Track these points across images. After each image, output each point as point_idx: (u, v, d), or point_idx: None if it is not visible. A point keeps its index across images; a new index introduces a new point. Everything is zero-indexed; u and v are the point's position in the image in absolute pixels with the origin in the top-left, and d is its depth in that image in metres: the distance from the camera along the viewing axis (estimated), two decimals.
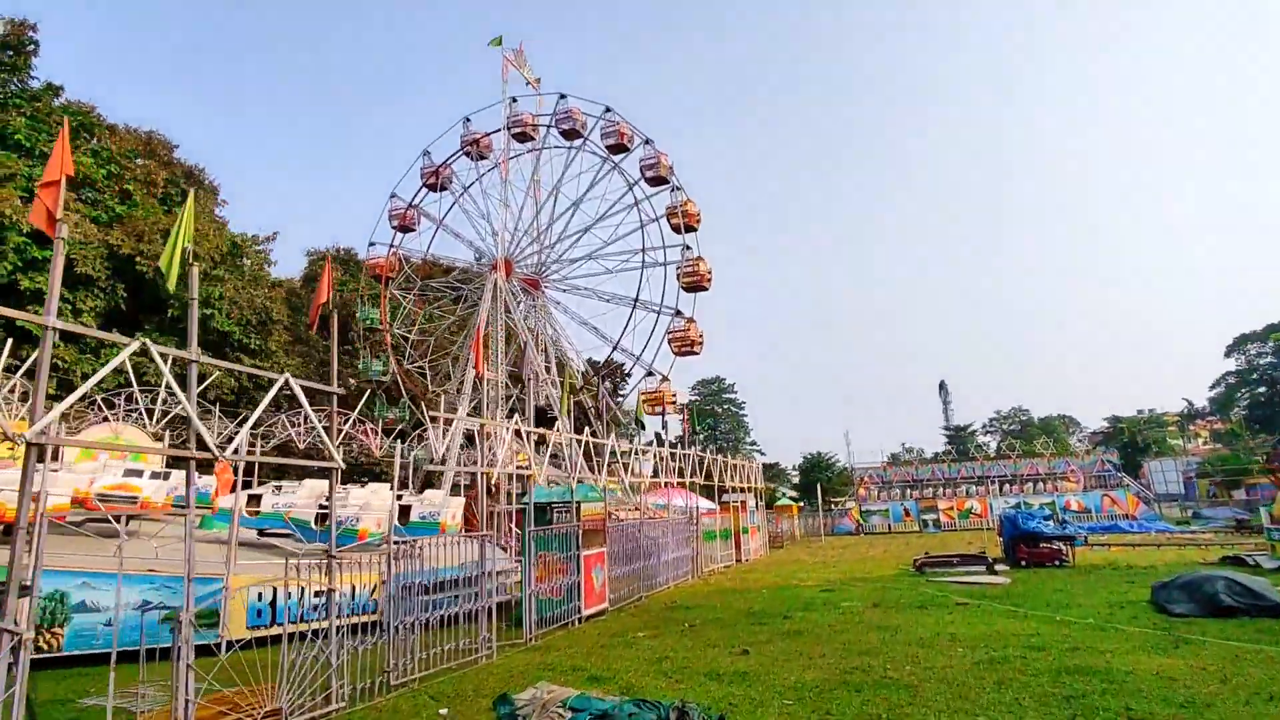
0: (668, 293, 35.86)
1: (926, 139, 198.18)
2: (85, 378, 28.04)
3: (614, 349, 36.11)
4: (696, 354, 35.43)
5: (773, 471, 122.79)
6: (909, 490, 61.15)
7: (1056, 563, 22.82)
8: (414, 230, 43.80)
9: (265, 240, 39.62)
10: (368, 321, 41.87)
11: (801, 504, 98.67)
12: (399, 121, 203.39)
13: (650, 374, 35.54)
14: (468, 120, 42.13)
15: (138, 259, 28.62)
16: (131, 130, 34.34)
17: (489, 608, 13.59)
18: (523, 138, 40.58)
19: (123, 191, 30.46)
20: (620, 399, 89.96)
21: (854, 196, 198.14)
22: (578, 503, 15.86)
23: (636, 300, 35.57)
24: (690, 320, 35.55)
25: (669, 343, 35.20)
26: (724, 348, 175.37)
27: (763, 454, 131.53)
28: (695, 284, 35.47)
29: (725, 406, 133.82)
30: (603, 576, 16.49)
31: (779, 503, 50.47)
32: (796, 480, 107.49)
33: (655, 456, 28.04)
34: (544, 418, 34.75)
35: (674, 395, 35.50)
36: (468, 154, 42.13)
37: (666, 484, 34.21)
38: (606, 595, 16.63)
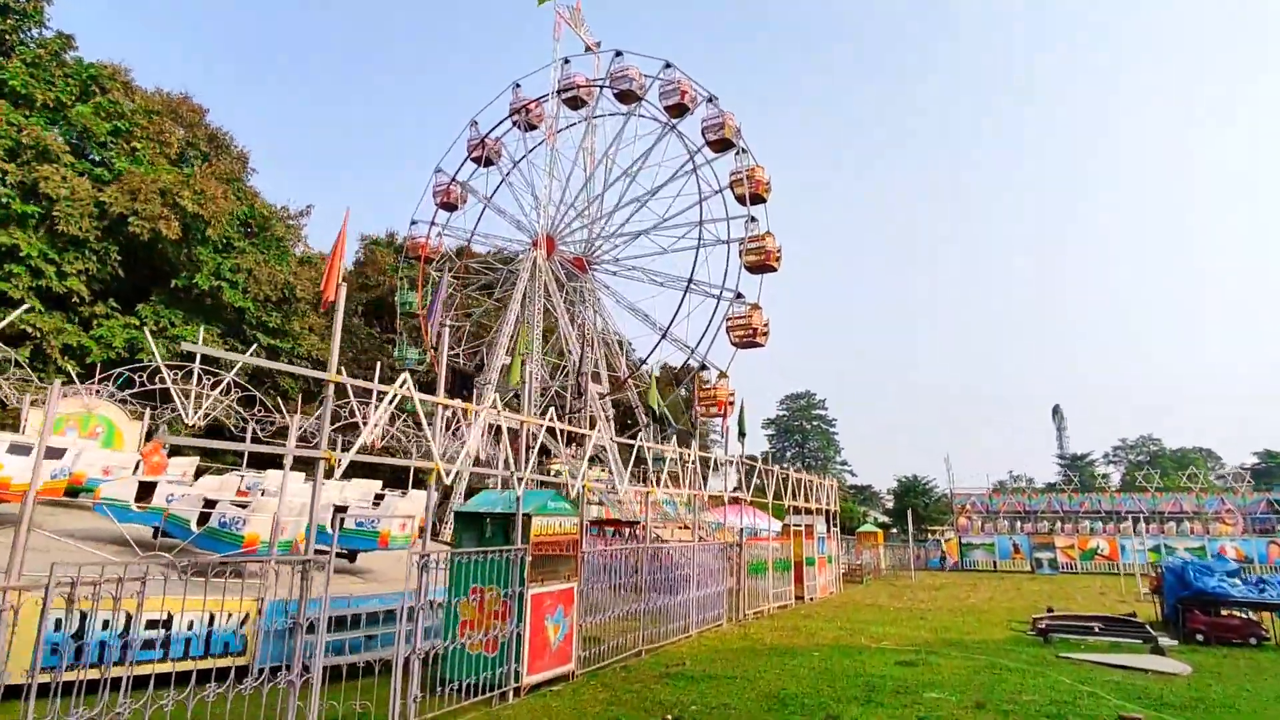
0: (729, 275, 30.58)
1: (1044, 127, 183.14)
2: (67, 350, 25.37)
3: (663, 337, 31.05)
4: (760, 345, 29.88)
5: (864, 495, 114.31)
6: (1019, 523, 52.76)
7: (1253, 640, 15.93)
8: (459, 208, 40.31)
9: (299, 215, 37.03)
10: (405, 306, 38.51)
11: (894, 529, 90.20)
12: (450, 90, 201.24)
13: (704, 368, 30.25)
14: (517, 86, 38.31)
15: (131, 219, 25.99)
16: (162, 92, 32.42)
17: (408, 659, 8.98)
18: (575, 103, 36.35)
19: (131, 150, 28.19)
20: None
21: (955, 193, 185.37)
22: (526, 515, 10.81)
23: (690, 281, 30.41)
24: (754, 306, 30.07)
25: (728, 331, 29.81)
26: (812, 361, 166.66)
27: (854, 475, 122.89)
28: (761, 263, 30.00)
29: (815, 423, 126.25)
30: (567, 625, 11.38)
31: (861, 529, 43.73)
32: (890, 506, 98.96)
33: (723, 467, 22.67)
34: (579, 412, 29.92)
35: (732, 394, 30.06)
36: (516, 123, 38.29)
37: (733, 499, 28.86)
38: (572, 652, 11.49)
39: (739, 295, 30.23)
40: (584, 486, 14.58)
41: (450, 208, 39.49)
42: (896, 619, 20.12)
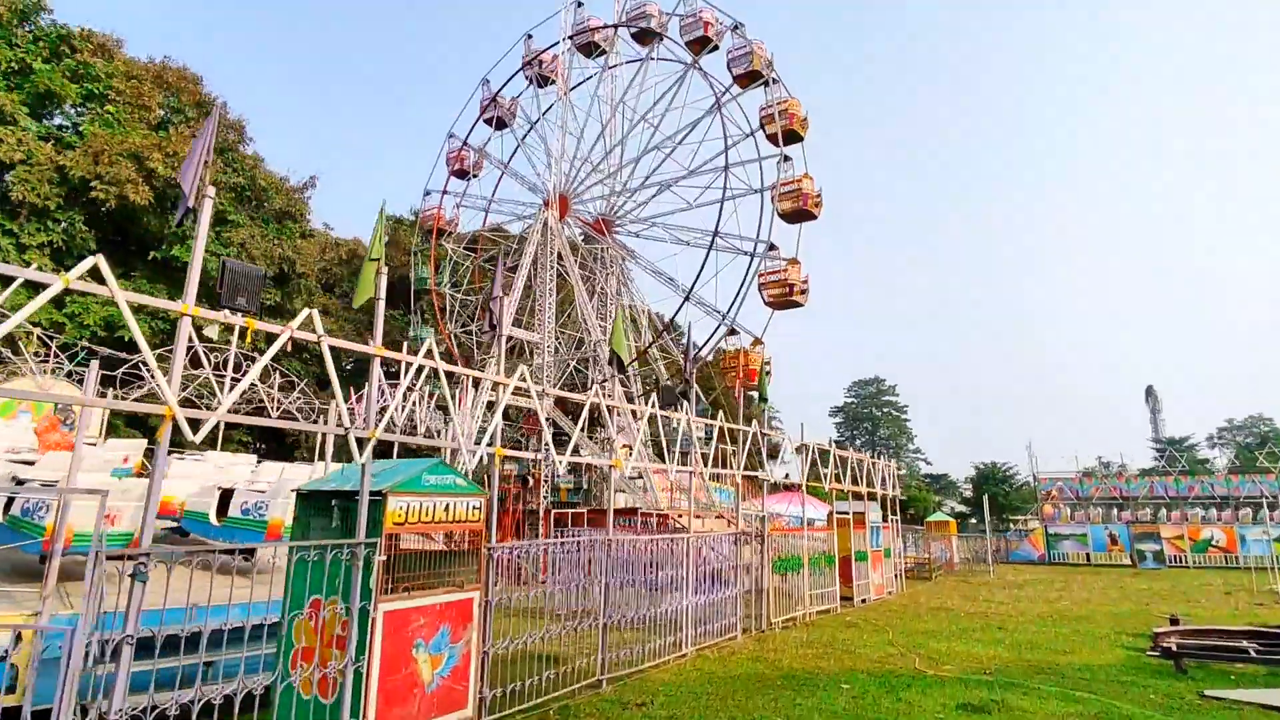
0: (762, 227, 26.41)
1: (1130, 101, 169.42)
2: (37, 328, 23.35)
3: (686, 299, 27.07)
4: (800, 304, 25.68)
5: (940, 483, 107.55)
6: (1114, 511, 46.58)
7: None
8: (474, 175, 37.30)
9: (303, 186, 34.75)
10: (420, 283, 35.79)
11: (972, 519, 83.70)
12: (466, 49, 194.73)
13: (734, 332, 26.26)
14: (529, 37, 35.00)
15: (95, 184, 23.88)
16: (153, 61, 30.56)
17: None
18: (590, 50, 32.78)
19: (106, 114, 26.26)
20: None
21: (1032, 157, 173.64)
22: (377, 494, 7.31)
23: (716, 235, 26.34)
24: (792, 260, 25.86)
25: (760, 290, 25.72)
26: (881, 343, 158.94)
27: (928, 463, 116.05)
28: (798, 210, 25.76)
29: (885, 410, 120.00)
30: (459, 655, 7.86)
31: (931, 518, 38.89)
32: (968, 495, 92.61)
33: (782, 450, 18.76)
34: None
35: (767, 362, 25.94)
36: (529, 78, 34.99)
37: (786, 486, 24.87)
38: (469, 694, 7.95)
39: (772, 247, 26.06)
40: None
41: (464, 175, 36.55)
42: (966, 630, 15.84)
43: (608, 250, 31.62)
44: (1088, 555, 44.00)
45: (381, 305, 8.14)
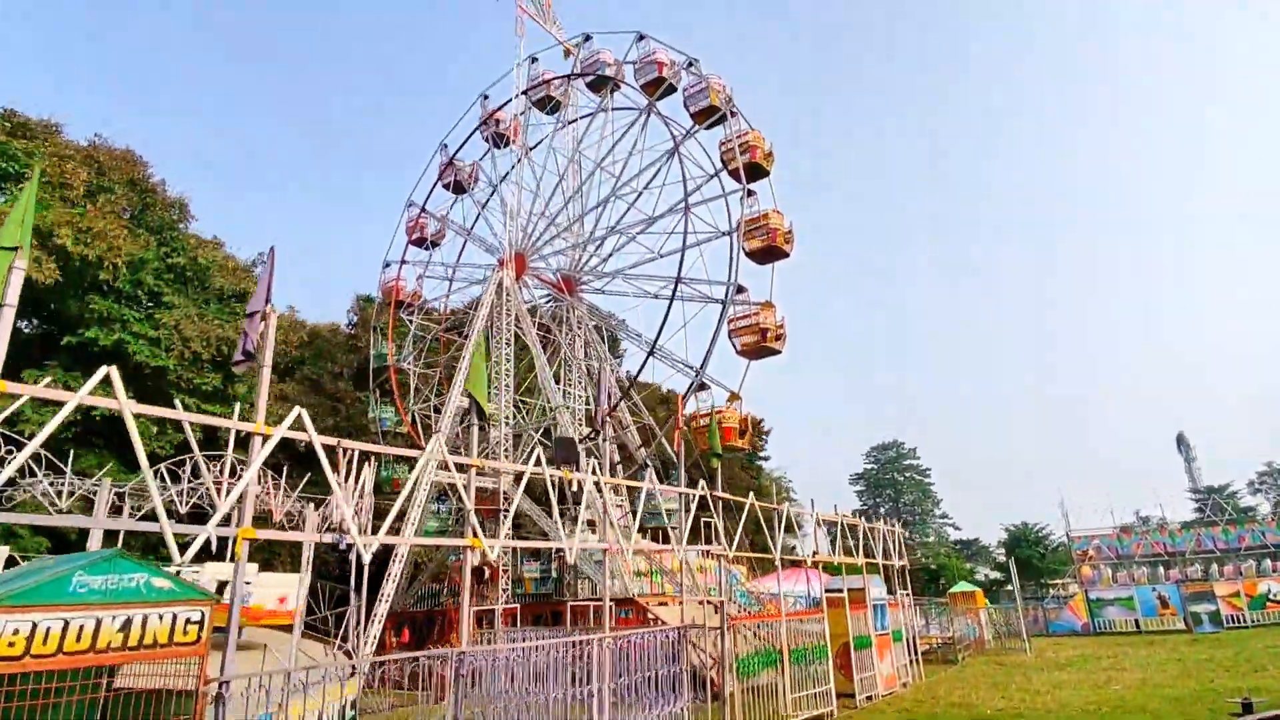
0: (732, 269, 23.91)
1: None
2: None
3: (650, 355, 24.41)
4: (777, 351, 22.96)
5: (972, 549, 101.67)
6: (1161, 568, 42.09)
7: None
8: (435, 244, 35.51)
9: (253, 265, 32.80)
10: (378, 360, 33.51)
11: (1007, 585, 78.11)
12: (429, 115, 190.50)
13: (704, 386, 23.44)
14: (485, 98, 33.82)
15: None
16: (96, 146, 29.33)
17: None
18: (548, 105, 31.38)
19: (18, 192, 24.77)
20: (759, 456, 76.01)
21: (1028, 199, 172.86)
22: None
23: (679, 280, 23.90)
24: (765, 304, 23.30)
25: (731, 338, 23.10)
26: (901, 410, 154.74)
27: (957, 528, 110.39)
28: (768, 248, 23.41)
29: (907, 475, 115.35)
30: None
31: (956, 588, 34.86)
32: (1001, 560, 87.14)
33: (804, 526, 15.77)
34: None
35: (747, 419, 23.04)
36: (487, 139, 33.59)
37: (794, 562, 21.62)
38: None
39: (740, 290, 23.54)
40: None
41: (424, 244, 34.81)
42: None
43: (573, 310, 29.30)
44: (1137, 622, 39.41)
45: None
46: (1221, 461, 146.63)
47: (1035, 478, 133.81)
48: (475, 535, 9.68)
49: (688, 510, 23.97)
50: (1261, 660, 21.18)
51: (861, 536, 19.79)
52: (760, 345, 22.57)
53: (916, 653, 22.04)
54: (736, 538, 16.27)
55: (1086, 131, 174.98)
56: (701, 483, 15.05)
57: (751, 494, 16.30)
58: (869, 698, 17.00)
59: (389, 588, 20.49)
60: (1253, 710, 11.40)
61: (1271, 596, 37.48)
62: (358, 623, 14.44)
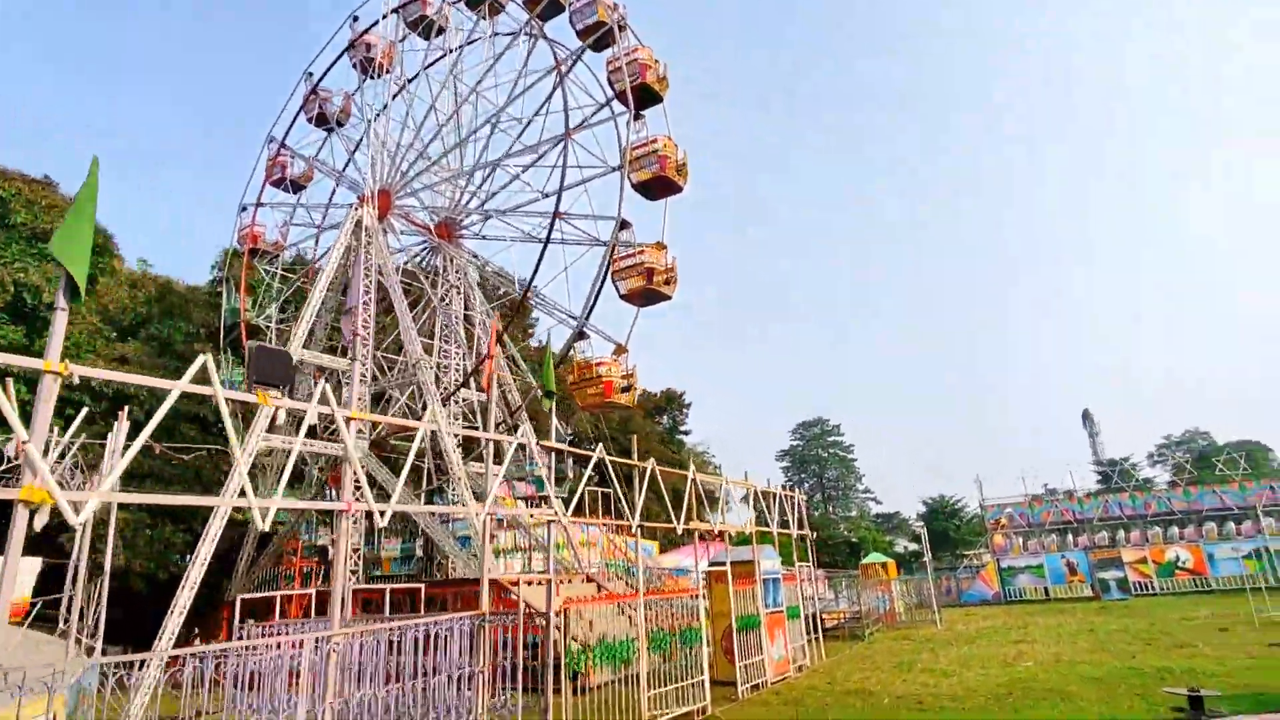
0: (609, 205, 20.91)
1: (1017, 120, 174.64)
2: None
3: (523, 298, 21.31)
4: (667, 297, 20.24)
5: (892, 522, 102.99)
6: (1070, 536, 41.85)
7: None
8: (301, 186, 31.36)
9: (41, 185, 27.73)
10: (230, 315, 29.35)
11: (924, 558, 78.78)
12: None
13: (583, 335, 20.49)
14: (355, 19, 29.78)
15: None
16: None
17: None
18: (420, 25, 27.65)
19: None
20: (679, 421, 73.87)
21: (949, 187, 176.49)
22: None
23: (556, 215, 20.80)
24: (657, 245, 20.51)
25: (614, 280, 20.22)
26: (824, 386, 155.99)
27: (878, 502, 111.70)
28: (657, 179, 20.61)
29: (831, 451, 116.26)
30: None
31: (867, 560, 33.31)
32: (920, 532, 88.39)
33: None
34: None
35: (633, 374, 20.25)
36: (355, 64, 29.60)
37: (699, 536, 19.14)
38: None
39: (624, 225, 20.64)
40: None
41: (286, 185, 30.65)
42: None
43: (450, 260, 25.86)
44: (1046, 589, 38.99)
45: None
46: (1122, 437, 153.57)
47: (954, 453, 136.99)
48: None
49: (565, 477, 21.13)
50: (1179, 634, 19.86)
51: (775, 505, 17.40)
52: (647, 289, 19.73)
53: (818, 630, 19.91)
54: (639, 508, 13.64)
55: (1003, 89, 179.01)
56: (599, 448, 12.28)
57: (653, 460, 13.65)
58: (754, 686, 14.60)
59: (194, 572, 16.95)
60: (1203, 707, 9.29)
61: (1181, 564, 37.43)
62: (83, 612, 11.05)
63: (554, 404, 12.12)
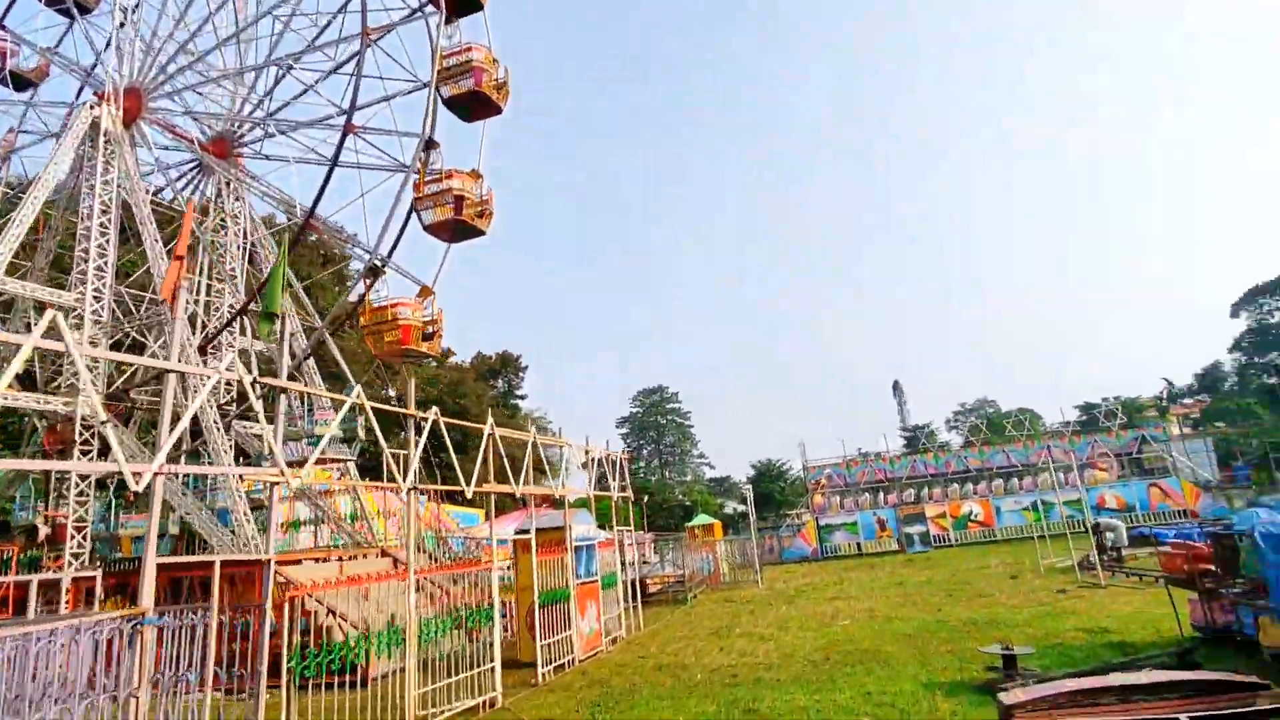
0: (417, 124, 17.98)
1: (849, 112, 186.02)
2: None
3: (303, 227, 17.99)
4: (481, 232, 17.78)
5: (723, 486, 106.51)
6: (882, 494, 44.40)
7: None
8: (34, 83, 25.38)
9: None
10: None
11: (751, 518, 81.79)
12: None
13: (378, 271, 17.62)
14: None
15: None
16: None
17: None
18: None
19: None
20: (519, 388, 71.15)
21: (786, 179, 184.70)
22: None
23: (349, 131, 17.64)
24: (472, 173, 17.99)
25: (417, 209, 17.50)
26: (665, 354, 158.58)
27: (712, 467, 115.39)
28: (472, 96, 18.11)
29: (670, 418, 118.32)
30: None
31: (693, 523, 33.06)
32: (750, 495, 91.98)
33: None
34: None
35: (438, 320, 17.71)
36: None
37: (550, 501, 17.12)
38: None
39: (431, 144, 17.87)
40: None
41: (11, 80, 24.60)
42: (695, 694, 8.69)
43: (227, 181, 21.66)
44: (859, 545, 41.03)
45: None
46: (927, 405, 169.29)
47: (782, 420, 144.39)
48: None
49: (355, 437, 18.30)
50: (977, 583, 20.64)
51: (594, 467, 15.69)
52: (456, 221, 17.17)
53: (638, 598, 18.69)
54: (475, 474, 11.39)
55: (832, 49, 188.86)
56: (434, 411, 9.84)
57: (492, 421, 11.38)
58: (560, 666, 12.96)
59: None
60: (1016, 664, 8.64)
61: (972, 517, 40.52)
62: None
63: (279, 329, 9.44)
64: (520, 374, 67.68)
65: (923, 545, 39.15)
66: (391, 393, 48.74)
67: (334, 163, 17.28)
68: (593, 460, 17.88)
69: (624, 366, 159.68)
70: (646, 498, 79.93)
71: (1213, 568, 10.06)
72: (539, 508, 15.55)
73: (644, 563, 27.51)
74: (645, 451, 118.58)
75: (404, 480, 9.40)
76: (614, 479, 17.15)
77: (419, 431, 9.93)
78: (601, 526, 20.76)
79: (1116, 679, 7.07)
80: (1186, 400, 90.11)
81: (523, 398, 68.62)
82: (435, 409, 10.47)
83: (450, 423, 12.33)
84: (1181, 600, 11.00)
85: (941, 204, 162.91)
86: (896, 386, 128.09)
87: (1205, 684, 6.81)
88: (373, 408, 9.25)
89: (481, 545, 23.79)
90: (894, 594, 20.00)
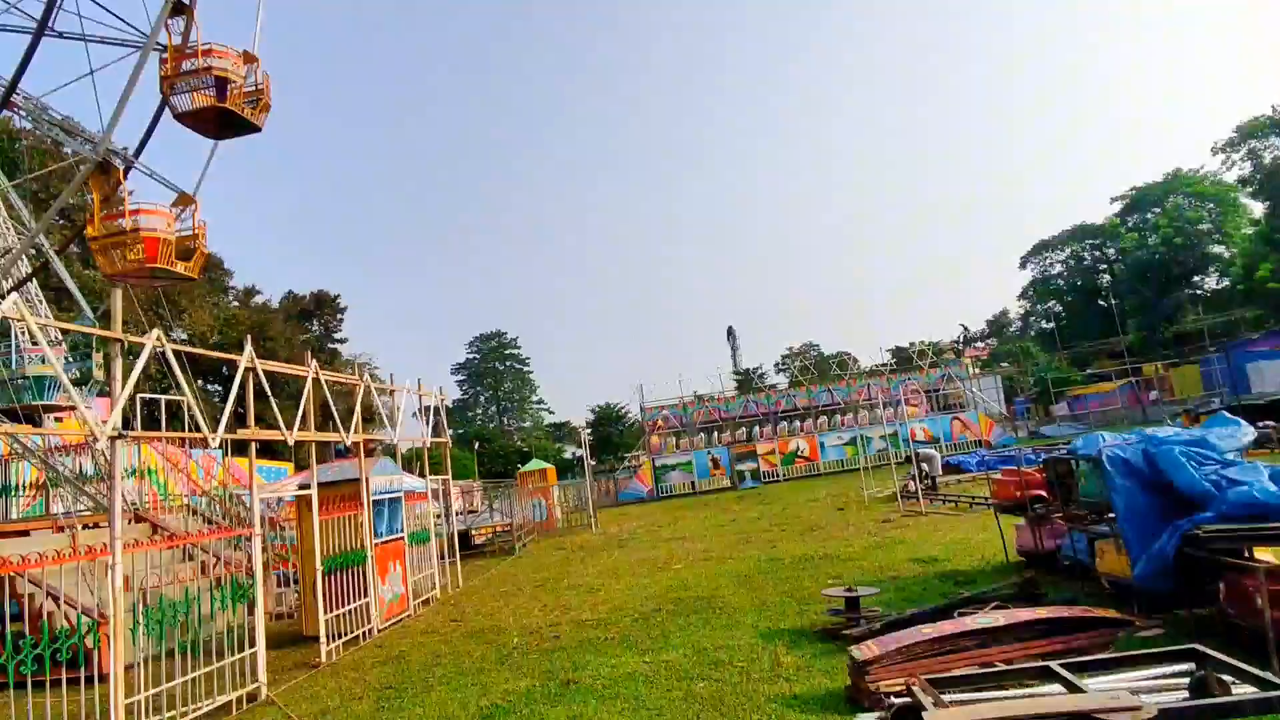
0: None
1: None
2: None
3: (6, 99, 13.96)
4: (255, 128, 14.47)
5: (562, 431, 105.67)
6: (716, 434, 45.19)
7: None
8: None
9: None
10: None
11: (593, 461, 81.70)
12: None
13: (107, 168, 13.86)
14: None
15: None
16: None
17: None
18: None
19: None
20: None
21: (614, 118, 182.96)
22: None
23: None
24: (244, 54, 14.46)
25: (166, 93, 13.85)
26: (503, 300, 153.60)
27: (551, 412, 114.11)
28: None
29: (508, 364, 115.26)
30: None
31: (526, 468, 31.49)
32: (585, 437, 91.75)
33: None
34: None
35: (199, 235, 14.40)
36: None
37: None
38: None
39: (180, 8, 14.02)
40: None
41: None
42: (506, 708, 7.09)
43: None
44: (693, 483, 41.60)
45: None
46: (757, 350, 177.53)
47: (622, 365, 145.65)
48: None
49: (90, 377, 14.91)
50: (807, 517, 20.75)
51: (399, 405, 13.38)
52: (219, 109, 13.78)
53: (457, 551, 16.86)
54: (298, 423, 8.71)
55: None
56: (156, 333, 6.98)
57: (315, 364, 8.71)
58: (354, 640, 10.95)
59: None
60: (859, 606, 7.81)
61: (799, 453, 42.14)
62: None
63: None
64: (339, 315, 62.07)
65: (754, 481, 40.26)
66: (183, 335, 42.48)
67: (42, 27, 13.16)
68: (427, 409, 15.78)
69: (460, 312, 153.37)
70: (479, 445, 77.31)
71: (1043, 494, 9.87)
72: (354, 457, 13.21)
73: (470, 512, 25.64)
74: (483, 399, 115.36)
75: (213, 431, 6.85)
76: (424, 422, 15.06)
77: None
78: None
79: (971, 623, 6.28)
80: (979, 344, 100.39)
81: (342, 341, 63.10)
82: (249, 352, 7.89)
83: (268, 366, 9.88)
84: (1009, 527, 10.89)
85: (765, 158, 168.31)
86: (730, 332, 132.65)
87: (1063, 622, 6.15)
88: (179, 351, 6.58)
89: (282, 503, 20.83)
90: (728, 532, 19.62)
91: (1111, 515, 7.34)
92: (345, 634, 10.86)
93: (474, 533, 23.09)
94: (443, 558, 15.79)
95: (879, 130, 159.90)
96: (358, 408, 12.61)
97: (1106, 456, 7.29)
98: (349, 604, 11.09)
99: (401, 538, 13.15)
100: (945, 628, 6.17)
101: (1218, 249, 61.18)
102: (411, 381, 16.58)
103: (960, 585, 9.65)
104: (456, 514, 24.50)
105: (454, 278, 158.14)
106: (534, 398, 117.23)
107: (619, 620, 10.30)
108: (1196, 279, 63.56)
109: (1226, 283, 60.72)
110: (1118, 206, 72.30)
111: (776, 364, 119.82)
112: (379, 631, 11.61)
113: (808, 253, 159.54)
